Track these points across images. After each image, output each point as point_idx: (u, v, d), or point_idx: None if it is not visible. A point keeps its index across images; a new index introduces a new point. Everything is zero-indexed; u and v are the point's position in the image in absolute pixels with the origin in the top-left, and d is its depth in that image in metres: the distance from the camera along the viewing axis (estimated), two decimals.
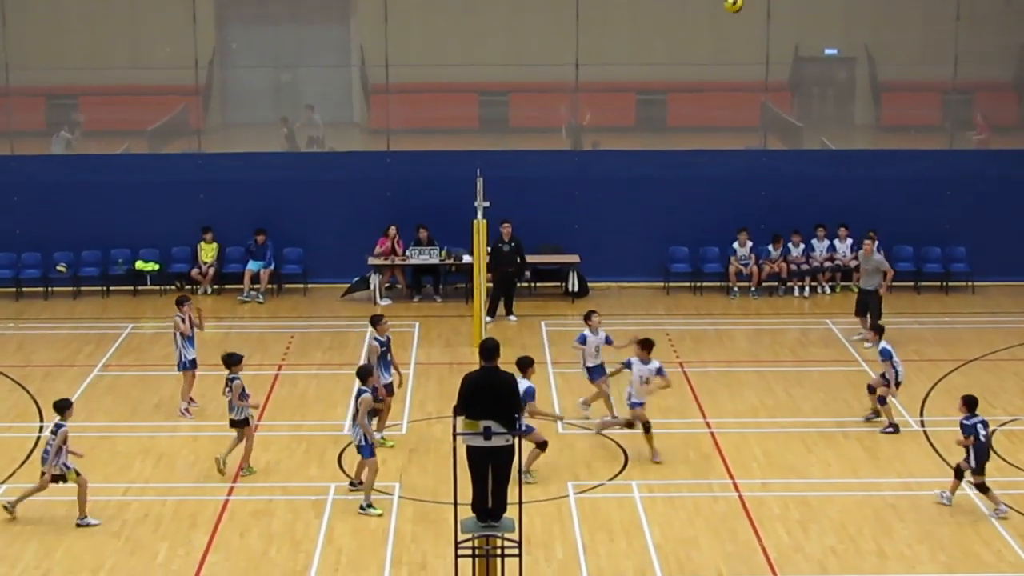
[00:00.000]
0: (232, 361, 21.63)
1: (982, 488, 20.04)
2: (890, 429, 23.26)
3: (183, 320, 24.21)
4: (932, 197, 32.87)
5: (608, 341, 23.22)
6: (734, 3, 22.31)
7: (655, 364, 21.95)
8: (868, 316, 28.00)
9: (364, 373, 20.69)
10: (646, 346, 21.96)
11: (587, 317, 23.47)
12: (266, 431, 23.36)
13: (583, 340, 23.17)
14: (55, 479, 19.77)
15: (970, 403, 20.20)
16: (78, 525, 19.58)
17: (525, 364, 21.00)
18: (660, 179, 32.79)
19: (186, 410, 24.27)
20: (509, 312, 30.23)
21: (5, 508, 19.92)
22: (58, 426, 19.76)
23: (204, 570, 18.47)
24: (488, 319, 29.04)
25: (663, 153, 33.54)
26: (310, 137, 35.25)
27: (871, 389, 23.65)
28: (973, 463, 19.96)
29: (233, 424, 21.47)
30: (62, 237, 32.40)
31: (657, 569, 18.42)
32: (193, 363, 24.33)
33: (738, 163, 33.45)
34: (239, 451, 21.47)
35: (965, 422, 20.02)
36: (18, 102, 34.02)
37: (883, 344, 23.61)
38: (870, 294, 28.28)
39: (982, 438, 19.89)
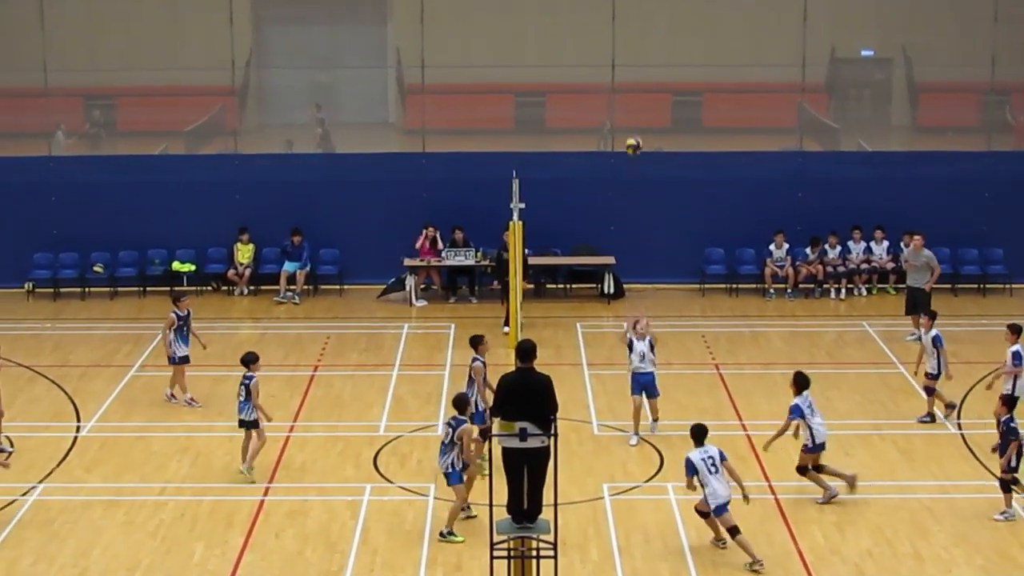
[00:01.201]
0: (249, 360, 21.39)
1: (1013, 483, 19.81)
2: (927, 418, 23.25)
3: (179, 316, 24.42)
4: (969, 199, 32.71)
5: (650, 345, 22.93)
6: (632, 147, 22.66)
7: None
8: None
9: (462, 403, 19.44)
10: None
11: (633, 326, 23.13)
12: (302, 431, 23.46)
13: (630, 346, 22.99)
14: None
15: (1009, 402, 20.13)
16: None
17: (702, 432, 19.18)
18: (696, 180, 32.73)
19: (191, 399, 24.60)
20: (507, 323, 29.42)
21: None
22: None
23: (240, 570, 18.53)
24: (506, 329, 28.66)
25: (699, 154, 33.48)
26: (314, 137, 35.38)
27: (929, 391, 23.58)
28: (1014, 462, 19.70)
29: (242, 424, 21.28)
30: (99, 237, 32.52)
31: (692, 571, 18.39)
32: (184, 359, 24.56)
33: (774, 164, 33.34)
34: (262, 450, 21.37)
35: (1010, 424, 19.84)
36: (56, 103, 34.18)
37: (935, 331, 23.51)
38: (918, 291, 28.15)
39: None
